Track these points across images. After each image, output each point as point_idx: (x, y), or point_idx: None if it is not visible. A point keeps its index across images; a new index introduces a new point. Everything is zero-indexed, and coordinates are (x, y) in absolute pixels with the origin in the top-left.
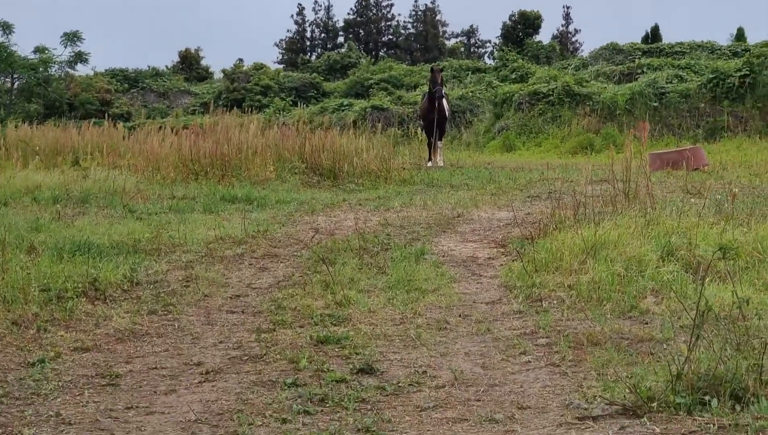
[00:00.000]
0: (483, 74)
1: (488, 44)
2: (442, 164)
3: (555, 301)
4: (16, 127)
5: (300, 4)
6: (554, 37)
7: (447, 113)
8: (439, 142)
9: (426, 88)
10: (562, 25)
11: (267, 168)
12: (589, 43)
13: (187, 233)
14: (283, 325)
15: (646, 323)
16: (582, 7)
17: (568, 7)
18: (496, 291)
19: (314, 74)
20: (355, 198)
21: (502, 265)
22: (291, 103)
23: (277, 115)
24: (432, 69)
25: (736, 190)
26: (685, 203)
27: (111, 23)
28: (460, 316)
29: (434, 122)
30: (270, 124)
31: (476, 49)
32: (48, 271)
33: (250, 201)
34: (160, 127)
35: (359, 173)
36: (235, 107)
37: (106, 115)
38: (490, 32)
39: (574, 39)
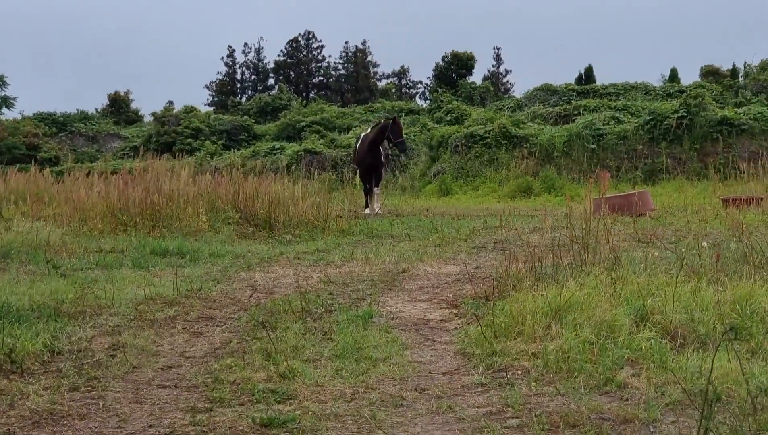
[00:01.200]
0: (417, 116)
1: (419, 85)
2: (379, 211)
3: (520, 372)
4: None
5: (230, 46)
6: (486, 78)
7: (382, 158)
8: (376, 189)
9: (358, 131)
10: (493, 66)
11: (199, 218)
12: (520, 83)
13: (115, 292)
14: (221, 403)
15: (626, 399)
16: (512, 48)
17: (498, 48)
18: (453, 359)
19: (245, 117)
20: (292, 251)
21: (456, 328)
22: (222, 146)
23: (208, 159)
24: (394, 119)
25: (705, 244)
26: (648, 256)
27: (39, 67)
28: (416, 389)
29: (371, 168)
30: (201, 169)
31: (407, 90)
32: None
33: (183, 254)
34: (89, 173)
35: (296, 223)
36: (165, 151)
37: (33, 160)
38: (421, 73)
39: (505, 80)
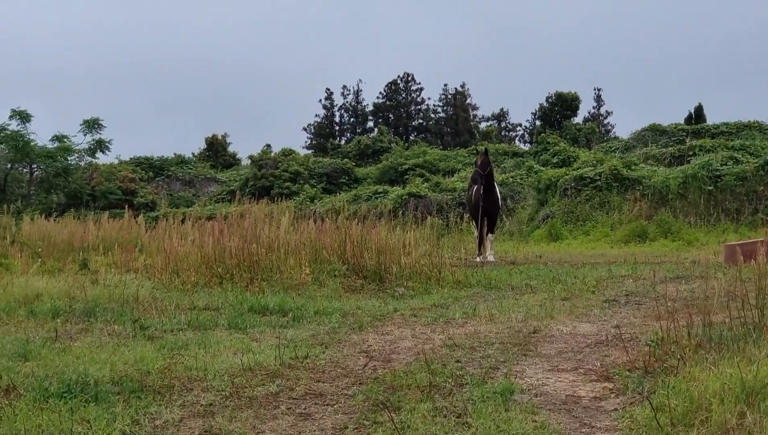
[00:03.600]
0: (521, 158)
1: (519, 127)
2: (492, 259)
3: None
4: (32, 219)
5: (328, 89)
6: (586, 120)
7: (499, 202)
8: (490, 235)
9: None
10: (594, 108)
11: (302, 270)
12: (621, 125)
13: (208, 361)
14: None
15: None
16: (611, 89)
17: (599, 89)
18: None
19: (345, 159)
20: (407, 307)
21: (616, 409)
22: (322, 190)
23: (308, 203)
24: (477, 151)
25: None
26: None
27: (137, 111)
28: None
29: (485, 213)
30: (301, 214)
31: (507, 133)
32: (22, 426)
33: (284, 312)
34: (183, 219)
35: (407, 274)
36: (263, 195)
37: (127, 205)
38: (520, 115)
39: (606, 121)
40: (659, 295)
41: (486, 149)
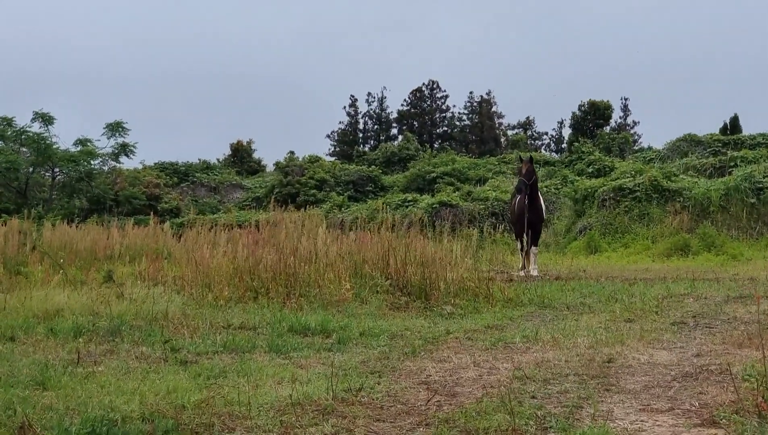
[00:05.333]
0: (552, 167)
1: (545, 136)
2: (535, 273)
3: None
4: (53, 225)
5: (353, 96)
6: (613, 129)
7: (543, 213)
8: (534, 248)
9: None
10: (621, 117)
11: (342, 285)
12: (647, 135)
13: (250, 393)
14: None
15: None
16: (638, 98)
17: (626, 99)
18: None
19: (371, 167)
20: (459, 328)
21: None
22: (348, 198)
23: (335, 211)
24: (520, 158)
25: None
26: None
27: (162, 116)
28: None
29: (529, 224)
30: (329, 222)
31: (533, 141)
32: None
33: (328, 333)
34: (212, 227)
35: (454, 291)
36: (289, 202)
37: (152, 212)
38: (546, 124)
39: (632, 130)
40: (730, 317)
41: (531, 157)
